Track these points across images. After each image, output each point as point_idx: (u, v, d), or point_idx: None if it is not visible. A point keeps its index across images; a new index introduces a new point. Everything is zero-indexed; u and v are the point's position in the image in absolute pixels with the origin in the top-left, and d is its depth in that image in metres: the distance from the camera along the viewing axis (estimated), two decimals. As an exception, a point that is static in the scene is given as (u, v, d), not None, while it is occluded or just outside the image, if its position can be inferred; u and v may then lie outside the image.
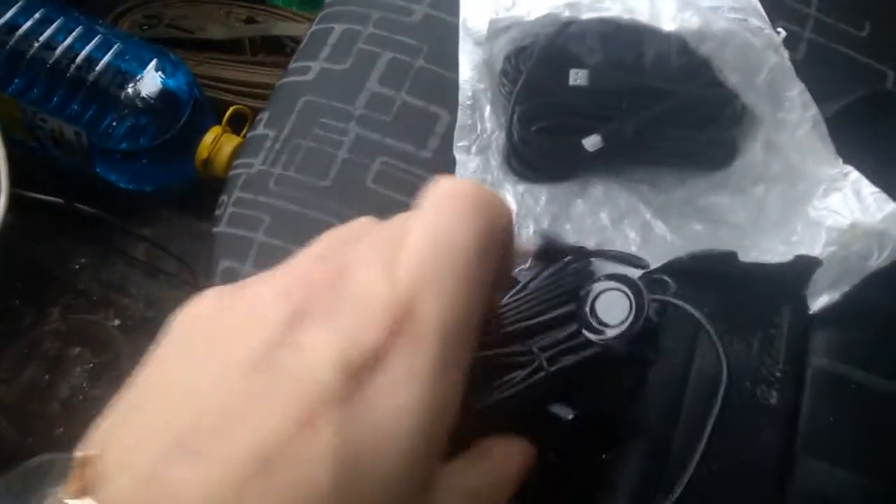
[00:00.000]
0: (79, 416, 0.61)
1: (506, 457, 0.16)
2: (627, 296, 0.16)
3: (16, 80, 0.60)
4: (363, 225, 0.16)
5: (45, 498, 0.12)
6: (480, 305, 0.14)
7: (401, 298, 0.13)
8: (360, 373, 0.12)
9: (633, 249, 0.29)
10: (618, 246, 0.30)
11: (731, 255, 0.26)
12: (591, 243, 0.30)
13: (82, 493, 0.12)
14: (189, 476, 0.12)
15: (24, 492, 0.13)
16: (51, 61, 0.60)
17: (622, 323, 0.16)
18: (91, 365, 0.63)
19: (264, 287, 0.14)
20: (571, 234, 0.30)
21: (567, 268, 0.18)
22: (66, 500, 0.12)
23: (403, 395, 0.12)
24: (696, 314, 0.18)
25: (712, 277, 0.27)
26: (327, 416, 0.12)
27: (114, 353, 0.63)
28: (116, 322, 0.65)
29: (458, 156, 0.30)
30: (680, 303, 0.17)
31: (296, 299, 0.13)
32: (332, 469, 0.12)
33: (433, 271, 0.13)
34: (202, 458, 0.12)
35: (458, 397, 0.13)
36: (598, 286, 0.16)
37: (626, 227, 0.30)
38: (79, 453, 0.13)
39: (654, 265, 0.24)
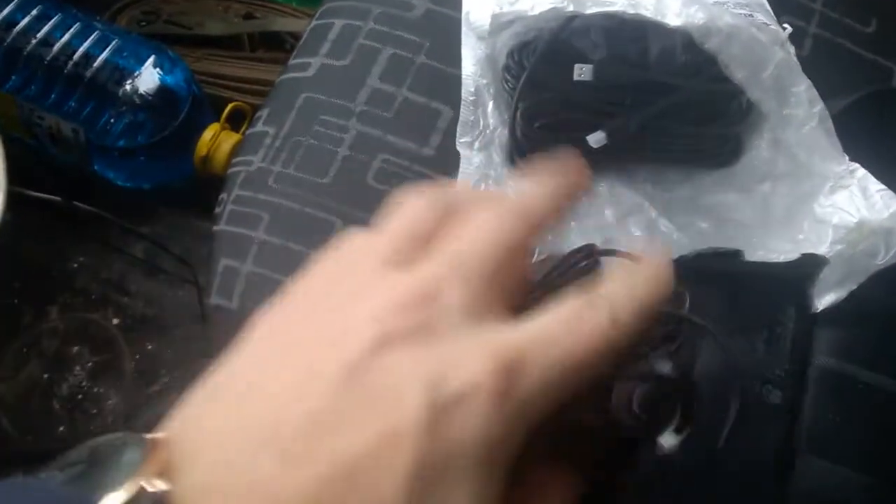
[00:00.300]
0: (78, 413, 0.60)
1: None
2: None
3: (13, 77, 0.60)
4: (435, 233, 0.16)
5: (118, 475, 0.13)
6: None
7: (498, 351, 0.14)
8: (445, 407, 0.13)
9: (639, 247, 0.29)
10: (622, 244, 0.29)
11: (737, 254, 0.26)
12: (596, 241, 0.29)
13: (159, 475, 0.13)
14: (272, 471, 0.13)
15: (96, 467, 0.13)
16: (48, 58, 0.59)
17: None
18: (90, 363, 0.62)
19: (358, 304, 0.15)
20: (575, 232, 0.30)
21: (574, 266, 0.17)
22: (144, 481, 0.13)
23: (481, 436, 0.13)
24: (707, 326, 0.18)
25: (718, 276, 0.26)
26: (409, 439, 0.13)
27: (113, 352, 0.63)
28: (115, 320, 0.64)
29: (462, 151, 0.30)
30: (697, 319, 0.17)
31: (389, 321, 0.14)
32: (405, 490, 0.13)
33: (544, 354, 0.14)
34: (288, 457, 0.13)
35: (520, 448, 0.14)
36: None
37: (631, 224, 0.30)
38: (153, 436, 0.13)
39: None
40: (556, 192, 0.17)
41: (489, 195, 0.17)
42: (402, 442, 0.13)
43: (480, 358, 0.13)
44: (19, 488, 0.13)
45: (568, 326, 0.14)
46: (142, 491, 0.12)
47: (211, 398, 0.14)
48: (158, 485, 0.13)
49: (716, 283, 0.27)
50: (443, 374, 0.13)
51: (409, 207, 0.17)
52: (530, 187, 0.17)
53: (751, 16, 0.29)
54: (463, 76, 0.31)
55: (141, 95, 0.59)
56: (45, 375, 0.62)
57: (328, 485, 0.12)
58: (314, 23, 0.38)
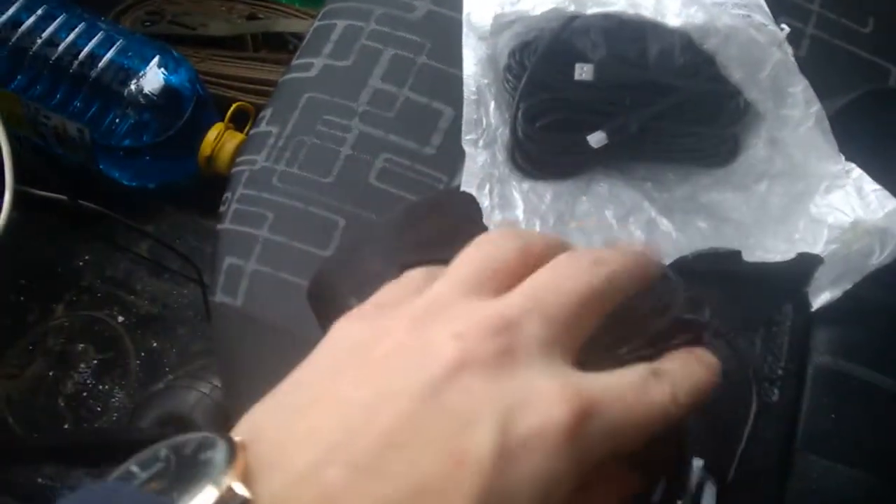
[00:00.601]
0: (83, 411, 0.61)
1: None
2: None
3: (18, 77, 0.60)
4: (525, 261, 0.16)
5: (204, 475, 0.13)
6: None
7: (575, 395, 0.14)
8: (518, 440, 0.13)
9: (640, 247, 0.29)
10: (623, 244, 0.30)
11: (735, 255, 0.26)
12: (597, 241, 0.30)
13: (242, 480, 0.13)
14: (341, 483, 0.13)
15: (180, 467, 0.13)
16: (53, 58, 0.60)
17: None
18: (95, 361, 0.63)
19: (439, 324, 0.15)
20: (576, 232, 0.30)
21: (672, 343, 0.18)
22: (232, 483, 0.13)
23: (546, 475, 0.13)
24: (726, 329, 0.18)
25: (716, 275, 0.27)
26: (478, 467, 0.13)
27: (118, 350, 0.64)
28: (121, 319, 0.65)
29: (467, 149, 0.30)
30: (717, 322, 0.18)
31: (471, 343, 0.14)
32: None
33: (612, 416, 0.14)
34: (359, 471, 0.13)
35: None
36: None
37: (632, 224, 0.30)
38: (238, 438, 0.14)
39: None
40: (638, 267, 0.17)
41: (568, 244, 0.17)
42: (471, 469, 0.13)
43: (557, 398, 0.14)
44: (108, 494, 0.13)
45: (636, 391, 0.15)
46: (231, 493, 0.13)
47: (281, 407, 0.14)
48: (242, 490, 0.13)
49: (715, 283, 0.28)
50: (519, 405, 0.14)
51: (493, 242, 0.17)
52: (613, 251, 0.17)
53: (749, 16, 0.29)
54: (464, 76, 0.32)
55: (146, 95, 0.59)
56: (51, 373, 0.62)
57: (395, 502, 0.13)
58: (316, 23, 0.39)
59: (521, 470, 0.13)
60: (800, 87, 0.29)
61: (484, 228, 0.26)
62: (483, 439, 0.13)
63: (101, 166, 0.62)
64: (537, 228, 0.30)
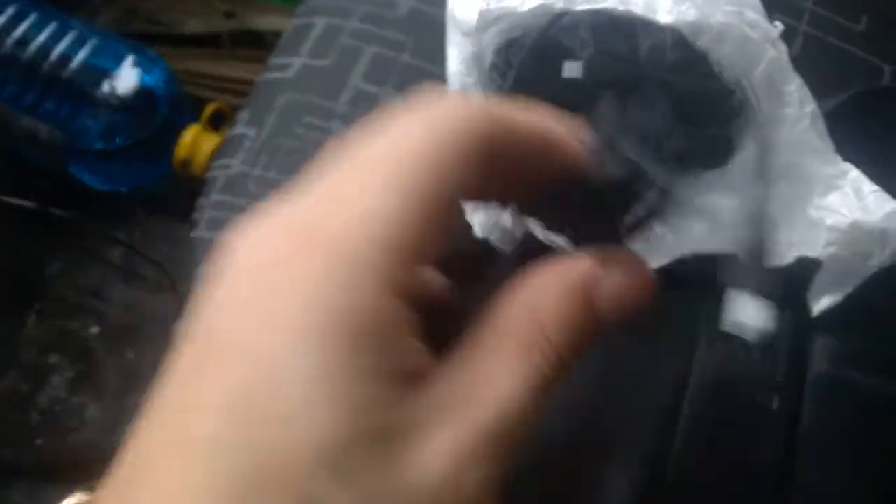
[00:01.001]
0: (58, 426, 0.59)
1: None
2: None
3: (-13, 78, 0.58)
4: None
5: None
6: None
7: None
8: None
9: (635, 248, 0.29)
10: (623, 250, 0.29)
11: (733, 258, 0.26)
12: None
13: None
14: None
15: None
16: (24, 58, 0.58)
17: None
18: (70, 374, 0.61)
19: None
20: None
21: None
22: None
23: None
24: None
25: (713, 279, 0.26)
26: None
27: (93, 362, 0.62)
28: (94, 329, 0.63)
29: None
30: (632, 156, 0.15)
31: None
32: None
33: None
34: None
35: None
36: None
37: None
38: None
39: (655, 266, 0.23)
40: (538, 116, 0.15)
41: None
42: None
43: None
44: None
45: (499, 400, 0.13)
46: None
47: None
48: None
49: (711, 288, 0.27)
50: None
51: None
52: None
53: (742, 13, 0.29)
54: (448, 75, 0.30)
55: (119, 96, 0.57)
56: (23, 387, 0.60)
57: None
58: (295, 21, 0.37)
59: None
60: (794, 86, 0.28)
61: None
62: None
63: (72, 169, 0.60)
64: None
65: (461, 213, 0.14)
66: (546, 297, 0.14)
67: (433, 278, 0.16)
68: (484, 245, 0.14)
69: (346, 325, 0.12)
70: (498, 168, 0.14)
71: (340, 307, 0.12)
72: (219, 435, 0.11)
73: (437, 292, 0.16)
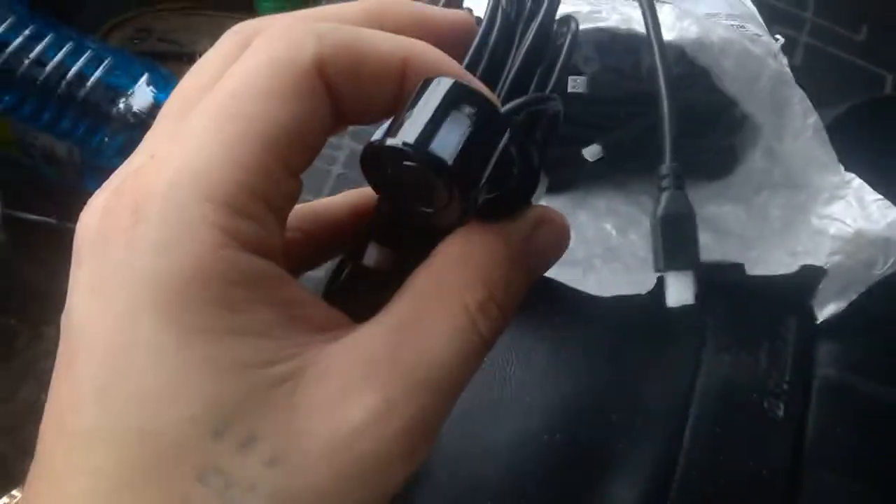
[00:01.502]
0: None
1: None
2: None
3: (6, 97, 0.60)
4: None
5: None
6: None
7: None
8: None
9: (641, 255, 0.29)
10: (625, 256, 0.29)
11: (738, 267, 0.26)
12: (597, 251, 0.29)
13: None
14: None
15: None
16: (41, 78, 0.59)
17: None
18: (87, 384, 0.62)
19: None
20: (576, 243, 0.29)
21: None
22: None
23: None
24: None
25: (719, 289, 0.26)
26: None
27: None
28: (112, 341, 0.64)
29: None
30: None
31: None
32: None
33: None
34: None
35: None
36: None
37: (632, 234, 0.30)
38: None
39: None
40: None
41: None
42: None
43: None
44: None
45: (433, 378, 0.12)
46: None
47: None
48: None
49: (718, 297, 0.27)
50: None
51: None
52: None
53: (743, 27, 0.29)
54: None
55: (135, 114, 0.59)
56: (43, 396, 0.61)
57: None
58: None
59: None
60: (796, 98, 0.29)
61: None
62: None
63: (89, 186, 0.62)
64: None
65: (314, 143, 0.13)
66: (484, 257, 0.13)
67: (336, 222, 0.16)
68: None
69: (180, 291, 0.11)
70: (349, 93, 0.13)
71: (177, 272, 0.11)
72: (98, 426, 0.11)
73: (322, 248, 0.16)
